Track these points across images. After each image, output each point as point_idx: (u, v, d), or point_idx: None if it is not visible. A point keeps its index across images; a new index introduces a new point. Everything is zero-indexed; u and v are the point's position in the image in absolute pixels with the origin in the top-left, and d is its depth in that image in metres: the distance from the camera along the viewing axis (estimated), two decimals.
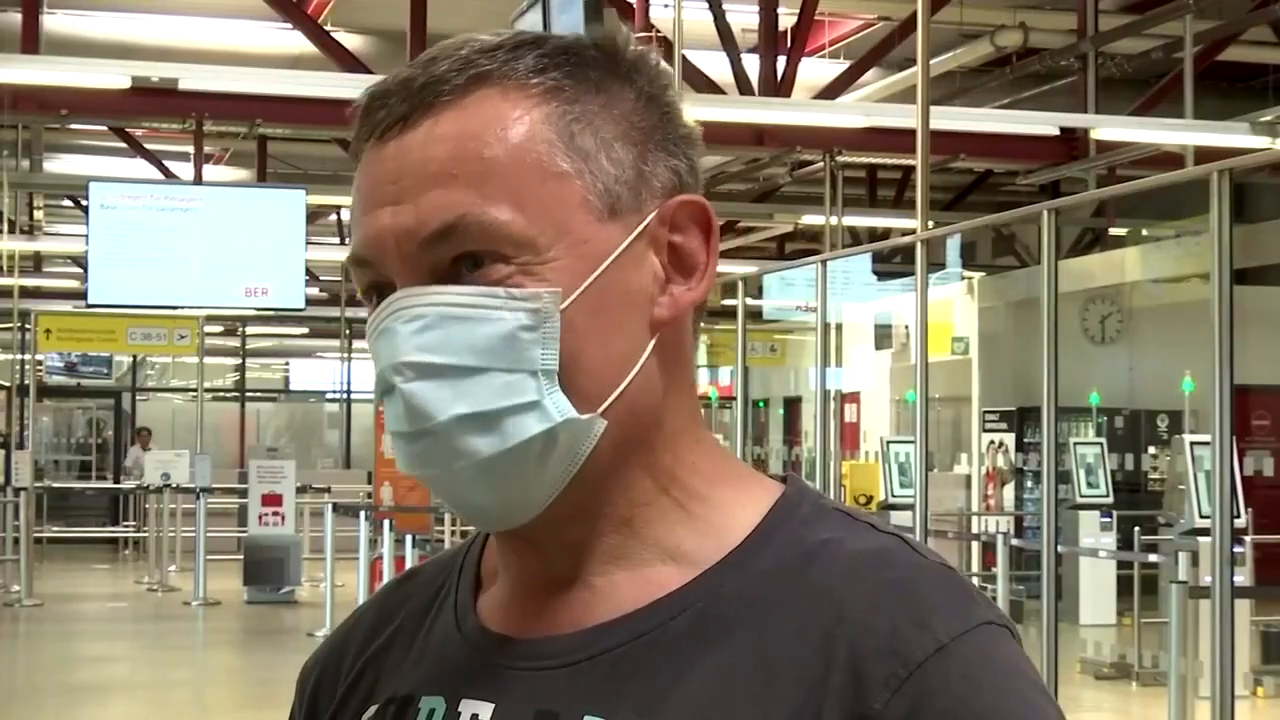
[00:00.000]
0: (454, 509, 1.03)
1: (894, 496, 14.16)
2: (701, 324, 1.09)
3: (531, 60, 1.02)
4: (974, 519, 16.07)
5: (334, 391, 28.27)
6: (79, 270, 18.50)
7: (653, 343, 1.02)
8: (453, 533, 17.37)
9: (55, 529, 22.16)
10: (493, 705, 1.02)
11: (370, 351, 1.01)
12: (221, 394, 29.88)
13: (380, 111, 1.02)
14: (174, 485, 18.22)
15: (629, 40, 1.06)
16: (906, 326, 17.75)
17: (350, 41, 13.09)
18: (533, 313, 0.98)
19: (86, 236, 13.41)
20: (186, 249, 13.11)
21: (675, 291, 1.04)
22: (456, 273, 0.99)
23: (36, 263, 20.47)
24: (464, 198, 0.98)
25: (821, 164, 14.10)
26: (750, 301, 14.94)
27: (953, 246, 17.51)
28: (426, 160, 1.00)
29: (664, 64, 1.07)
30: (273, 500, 16.09)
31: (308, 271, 15.55)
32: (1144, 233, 17.11)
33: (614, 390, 1.00)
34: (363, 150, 1.04)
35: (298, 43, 13.03)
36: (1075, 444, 14.02)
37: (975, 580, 13.82)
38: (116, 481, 24.38)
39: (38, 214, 18.63)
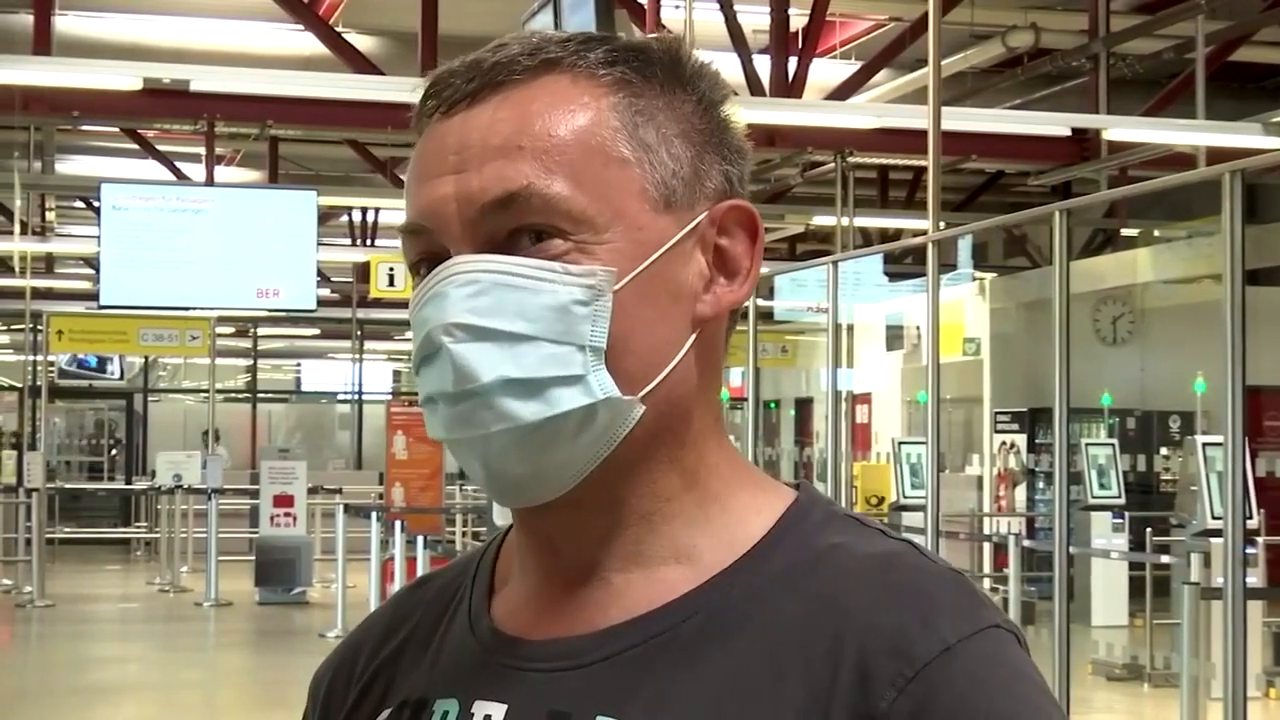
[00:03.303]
0: (481, 480, 1.03)
1: (905, 497, 14.14)
2: (734, 331, 1.11)
3: (602, 53, 1.05)
4: (985, 520, 16.03)
5: (345, 392, 28.30)
6: (91, 271, 18.52)
7: (693, 338, 1.04)
8: (464, 534, 17.40)
9: (67, 530, 22.20)
10: (506, 706, 1.03)
11: (413, 320, 1.02)
12: (233, 395, 29.92)
13: (447, 89, 1.04)
14: (185, 486, 18.24)
15: (692, 49, 1.09)
16: (918, 327, 17.73)
17: (361, 43, 13.09)
18: (587, 288, 0.99)
19: (98, 238, 13.42)
20: (198, 250, 13.11)
21: (719, 291, 1.06)
22: (512, 245, 1.01)
23: (48, 264, 20.51)
24: (528, 169, 1.00)
25: (833, 165, 14.08)
26: (761, 302, 14.94)
27: (964, 247, 17.50)
28: (492, 133, 1.02)
29: (724, 77, 1.10)
30: (284, 501, 16.10)
31: (319, 273, 15.55)
32: (1156, 233, 17.09)
33: (656, 376, 1.02)
34: (424, 126, 1.06)
35: (309, 44, 13.03)
36: (1087, 445, 13.99)
37: (987, 582, 13.81)
38: (128, 482, 24.41)
39: (50, 215, 18.61)
